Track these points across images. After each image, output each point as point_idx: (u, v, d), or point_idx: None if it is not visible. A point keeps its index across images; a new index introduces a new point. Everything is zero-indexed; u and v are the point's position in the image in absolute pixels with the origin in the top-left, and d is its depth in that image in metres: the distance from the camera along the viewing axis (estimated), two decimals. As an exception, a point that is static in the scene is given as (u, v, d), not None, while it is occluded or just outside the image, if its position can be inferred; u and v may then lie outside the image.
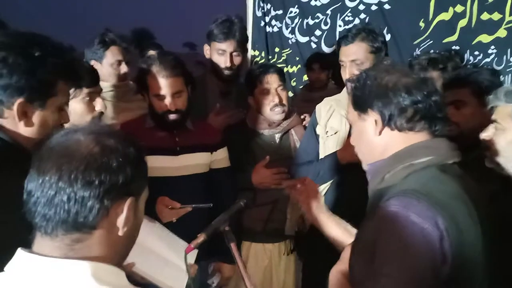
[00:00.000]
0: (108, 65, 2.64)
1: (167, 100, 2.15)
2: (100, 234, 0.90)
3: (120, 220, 0.91)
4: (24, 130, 1.32)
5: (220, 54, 2.65)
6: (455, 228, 1.07)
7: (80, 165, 0.86)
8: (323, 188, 2.36)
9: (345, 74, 2.25)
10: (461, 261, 1.07)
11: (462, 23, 2.93)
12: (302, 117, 2.72)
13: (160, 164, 2.17)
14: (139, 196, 0.96)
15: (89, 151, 0.88)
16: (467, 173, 1.25)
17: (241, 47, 2.70)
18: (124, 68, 2.69)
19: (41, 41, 1.35)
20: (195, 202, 2.07)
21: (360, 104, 1.31)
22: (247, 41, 2.84)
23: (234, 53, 2.66)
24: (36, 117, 1.33)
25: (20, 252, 0.88)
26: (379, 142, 1.28)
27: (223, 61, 2.65)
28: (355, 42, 2.20)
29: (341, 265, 1.31)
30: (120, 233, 0.92)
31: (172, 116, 2.17)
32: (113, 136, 0.93)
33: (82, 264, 0.87)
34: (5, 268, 0.88)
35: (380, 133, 1.27)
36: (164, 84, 2.13)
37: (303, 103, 3.27)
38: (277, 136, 2.54)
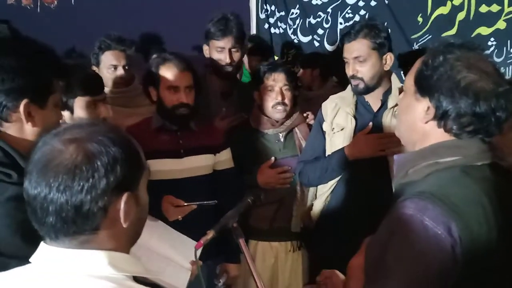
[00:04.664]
0: (104, 70, 2.64)
1: (180, 93, 2.20)
2: (105, 232, 0.91)
3: (121, 216, 0.92)
4: (31, 131, 1.34)
5: (219, 51, 2.71)
6: (468, 235, 1.06)
7: (68, 178, 0.86)
8: (331, 184, 2.38)
9: (349, 71, 2.28)
10: (472, 268, 1.06)
11: (461, 16, 2.93)
12: (304, 115, 2.73)
13: (165, 167, 2.21)
14: (136, 187, 0.95)
15: (73, 161, 0.87)
16: (503, 175, 1.19)
17: (239, 43, 2.75)
18: (120, 73, 2.66)
19: (29, 42, 1.39)
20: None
21: (422, 84, 1.20)
22: (244, 36, 2.88)
23: (233, 49, 2.71)
24: (39, 117, 1.35)
25: (43, 245, 0.92)
26: (421, 129, 1.22)
27: (222, 58, 2.71)
28: (358, 39, 2.23)
29: (360, 259, 1.27)
30: (125, 226, 0.93)
31: (182, 111, 2.21)
32: (95, 138, 0.90)
33: (98, 253, 0.89)
34: (31, 260, 0.92)
35: (426, 122, 1.20)
36: (178, 77, 2.20)
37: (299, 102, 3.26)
38: (281, 135, 2.56)
